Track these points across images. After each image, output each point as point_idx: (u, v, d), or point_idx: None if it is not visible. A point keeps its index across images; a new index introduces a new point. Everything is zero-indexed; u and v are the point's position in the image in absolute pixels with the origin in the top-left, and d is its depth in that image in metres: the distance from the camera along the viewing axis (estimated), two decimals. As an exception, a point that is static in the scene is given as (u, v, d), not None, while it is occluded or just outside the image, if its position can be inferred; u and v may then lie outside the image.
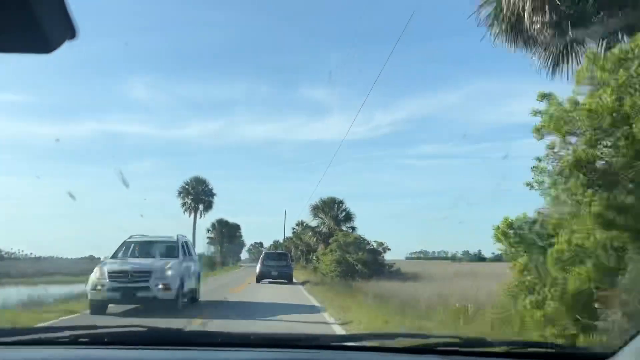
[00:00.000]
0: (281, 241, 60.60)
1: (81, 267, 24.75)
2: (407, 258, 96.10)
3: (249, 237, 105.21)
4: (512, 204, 41.68)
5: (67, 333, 2.00)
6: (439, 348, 1.96)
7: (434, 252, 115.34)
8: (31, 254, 48.93)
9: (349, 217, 38.50)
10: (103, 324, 2.18)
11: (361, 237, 30.60)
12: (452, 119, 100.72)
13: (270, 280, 25.56)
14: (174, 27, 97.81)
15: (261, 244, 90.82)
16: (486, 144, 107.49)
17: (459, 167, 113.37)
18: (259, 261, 27.46)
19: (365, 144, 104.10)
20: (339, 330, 9.09)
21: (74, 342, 1.93)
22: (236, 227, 72.55)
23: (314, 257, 36.49)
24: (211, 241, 67.51)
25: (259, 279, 25.72)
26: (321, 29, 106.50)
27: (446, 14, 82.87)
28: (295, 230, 51.25)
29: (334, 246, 29.47)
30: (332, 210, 38.43)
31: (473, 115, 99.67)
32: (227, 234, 69.99)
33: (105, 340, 1.98)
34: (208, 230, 67.17)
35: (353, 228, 37.45)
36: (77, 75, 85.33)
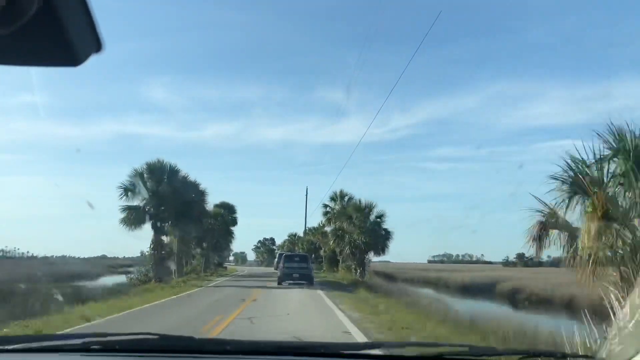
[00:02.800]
0: (301, 234, 55.00)
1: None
2: (429, 261, 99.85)
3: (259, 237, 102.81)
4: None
5: (78, 341, 2.02)
6: (448, 357, 1.97)
7: (457, 256, 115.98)
8: (50, 255, 47.73)
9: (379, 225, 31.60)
10: (114, 332, 2.16)
11: None
12: (470, 122, 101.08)
13: (291, 282, 25.28)
14: (192, 30, 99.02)
15: (272, 241, 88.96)
16: (505, 148, 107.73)
17: (478, 170, 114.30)
18: (280, 263, 27.82)
19: (383, 147, 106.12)
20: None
21: (85, 349, 1.95)
22: (229, 209, 46.65)
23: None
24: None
25: (280, 281, 25.67)
26: (338, 31, 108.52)
27: (465, 15, 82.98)
28: (320, 225, 46.40)
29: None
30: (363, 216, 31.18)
31: (491, 119, 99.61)
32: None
33: (117, 347, 1.99)
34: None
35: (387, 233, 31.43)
36: (96, 77, 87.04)
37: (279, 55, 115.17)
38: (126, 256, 53.50)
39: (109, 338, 2.06)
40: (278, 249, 72.88)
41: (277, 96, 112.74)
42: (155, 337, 2.03)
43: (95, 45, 0.93)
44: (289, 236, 66.12)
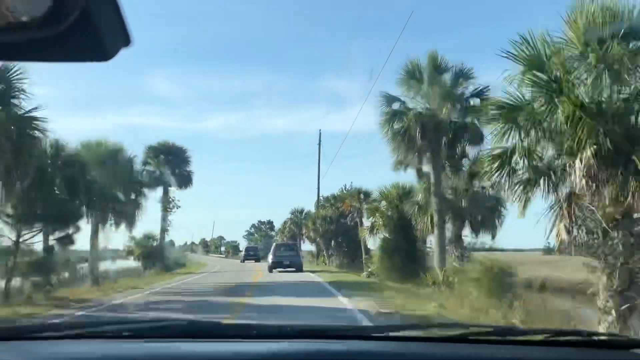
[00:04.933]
0: (312, 209, 44.11)
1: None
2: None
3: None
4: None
5: (111, 327, 2.14)
6: (472, 337, 1.96)
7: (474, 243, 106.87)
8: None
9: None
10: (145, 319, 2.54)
11: None
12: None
13: (282, 269, 27.13)
14: (195, 20, 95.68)
15: (270, 225, 79.88)
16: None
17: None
18: (271, 252, 29.61)
19: None
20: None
21: (117, 335, 2.01)
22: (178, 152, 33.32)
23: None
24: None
25: (271, 268, 27.49)
26: (341, 20, 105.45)
27: (471, 3, 76.48)
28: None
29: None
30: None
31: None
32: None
33: (147, 334, 2.04)
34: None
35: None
36: (99, 68, 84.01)
37: (283, 45, 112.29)
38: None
39: (140, 325, 2.24)
40: (278, 234, 63.40)
41: (280, 86, 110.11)
42: (184, 322, 2.19)
43: (124, 39, 0.92)
44: (292, 214, 54.29)
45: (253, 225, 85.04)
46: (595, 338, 1.88)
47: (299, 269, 27.41)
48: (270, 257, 28.93)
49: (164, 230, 31.94)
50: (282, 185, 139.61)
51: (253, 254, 49.56)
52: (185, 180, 32.96)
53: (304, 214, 52.56)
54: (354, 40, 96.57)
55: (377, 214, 22.04)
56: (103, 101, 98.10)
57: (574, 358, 1.73)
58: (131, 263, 31.34)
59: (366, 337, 2.03)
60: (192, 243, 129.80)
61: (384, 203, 21.99)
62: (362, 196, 27.79)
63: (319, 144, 44.27)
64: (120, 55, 0.92)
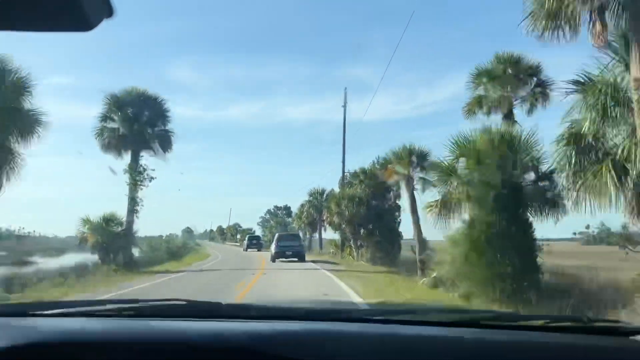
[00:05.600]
0: (336, 188, 35.67)
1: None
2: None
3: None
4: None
5: (112, 306, 2.13)
6: (472, 322, 1.94)
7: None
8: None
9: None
10: (146, 299, 2.30)
11: None
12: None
13: (284, 259, 27.74)
14: (217, 9, 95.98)
15: (287, 211, 70.15)
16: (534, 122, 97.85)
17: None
18: (274, 243, 30.22)
19: (409, 123, 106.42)
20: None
21: (118, 314, 2.03)
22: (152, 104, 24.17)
23: None
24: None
25: (274, 258, 28.08)
26: (363, 7, 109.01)
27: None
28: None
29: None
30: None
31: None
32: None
33: (147, 313, 2.07)
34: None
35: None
36: (122, 57, 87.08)
37: (305, 33, 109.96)
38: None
39: (140, 304, 2.19)
40: (295, 221, 54.11)
41: (302, 74, 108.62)
42: (184, 302, 2.15)
43: (107, 10, 0.93)
44: (311, 195, 45.21)
45: (268, 211, 75.52)
46: (596, 324, 1.87)
47: (302, 259, 27.86)
48: (273, 247, 29.45)
49: (132, 211, 23.02)
50: (303, 175, 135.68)
51: (255, 243, 48.11)
52: (163, 143, 23.97)
53: (325, 195, 43.38)
54: (376, 27, 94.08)
55: (452, 180, 12.60)
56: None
57: (573, 343, 1.69)
58: (88, 256, 22.68)
59: (364, 319, 2.02)
60: (211, 230, 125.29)
61: (463, 164, 12.54)
62: (414, 159, 18.26)
63: (344, 106, 35.37)
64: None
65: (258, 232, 71.36)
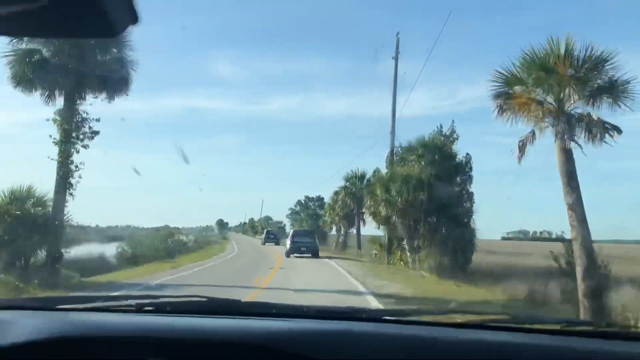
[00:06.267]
0: (385, 169, 25.98)
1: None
2: (503, 238, 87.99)
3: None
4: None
5: (133, 302, 2.16)
6: (490, 324, 1.96)
7: (535, 232, 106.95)
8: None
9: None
10: (166, 294, 2.40)
11: None
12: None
13: (299, 254, 28.84)
14: (256, 3, 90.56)
15: (320, 201, 59.19)
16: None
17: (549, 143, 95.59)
18: (288, 239, 31.62)
19: (449, 119, 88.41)
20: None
21: (139, 310, 2.05)
22: None
23: None
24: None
25: (288, 253, 29.19)
26: (403, 1, 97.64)
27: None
28: None
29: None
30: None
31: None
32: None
33: (167, 309, 2.08)
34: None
35: None
36: (161, 52, 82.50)
37: (343, 27, 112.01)
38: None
39: (160, 300, 2.24)
40: (327, 213, 44.74)
41: (340, 68, 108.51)
42: (204, 299, 2.21)
43: (132, 17, 0.93)
44: (347, 180, 36.77)
45: (299, 202, 66.65)
46: (611, 329, 1.87)
47: (315, 255, 29.25)
48: (287, 243, 30.85)
49: (64, 185, 14.40)
50: (340, 171, 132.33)
51: (273, 237, 51.60)
52: (115, 84, 15.15)
53: (365, 180, 34.21)
54: (415, 22, 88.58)
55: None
56: (166, 85, 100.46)
57: (588, 347, 1.68)
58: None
59: (381, 319, 2.04)
60: (244, 223, 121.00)
61: None
62: (572, 71, 8.47)
63: (396, 56, 26.20)
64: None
65: (287, 225, 70.89)
